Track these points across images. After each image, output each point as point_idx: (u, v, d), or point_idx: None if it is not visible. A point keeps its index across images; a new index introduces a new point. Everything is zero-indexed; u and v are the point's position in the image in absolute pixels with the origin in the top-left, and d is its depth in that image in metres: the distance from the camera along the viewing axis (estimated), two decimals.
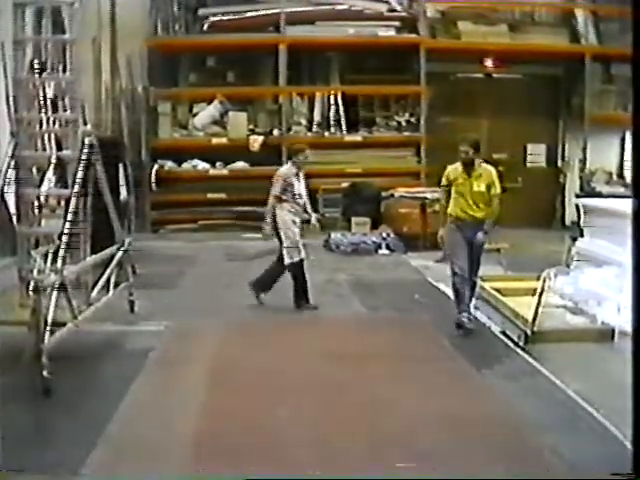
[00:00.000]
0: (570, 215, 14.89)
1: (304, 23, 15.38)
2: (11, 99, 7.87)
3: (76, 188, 6.86)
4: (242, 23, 15.20)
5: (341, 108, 15.58)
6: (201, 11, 15.52)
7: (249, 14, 15.34)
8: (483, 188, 7.55)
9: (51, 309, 5.90)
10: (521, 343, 7.09)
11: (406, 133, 15.84)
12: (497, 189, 7.62)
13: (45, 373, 5.60)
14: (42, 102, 8.02)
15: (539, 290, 7.29)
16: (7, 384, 5.30)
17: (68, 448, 4.70)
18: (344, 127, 15.54)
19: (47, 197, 7.81)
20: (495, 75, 16.65)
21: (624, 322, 7.14)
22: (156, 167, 15.17)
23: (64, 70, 7.98)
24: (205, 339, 7.40)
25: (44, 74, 7.93)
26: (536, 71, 16.56)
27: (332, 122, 15.59)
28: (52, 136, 8.21)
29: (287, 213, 8.46)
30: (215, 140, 15.38)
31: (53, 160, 7.82)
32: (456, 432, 5.03)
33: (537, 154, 17.09)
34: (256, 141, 15.24)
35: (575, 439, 4.86)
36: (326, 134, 15.40)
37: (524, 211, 15.03)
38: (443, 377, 6.27)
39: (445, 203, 7.77)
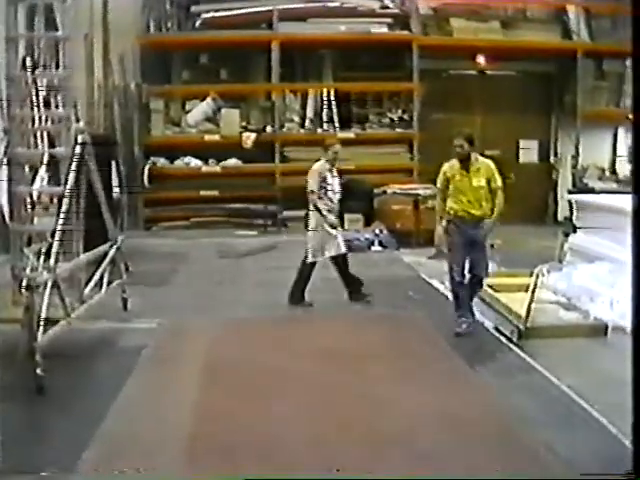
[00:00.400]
0: (563, 211, 14.90)
1: (296, 20, 15.35)
2: (4, 96, 7.85)
3: (69, 186, 6.85)
4: (234, 20, 15.16)
5: (334, 105, 15.54)
6: (193, 8, 15.48)
7: (241, 11, 15.30)
8: (483, 183, 7.34)
9: (44, 307, 5.89)
10: (514, 339, 7.10)
11: (399, 130, 15.83)
12: (498, 182, 7.40)
13: (38, 371, 5.59)
14: (35, 99, 8.01)
15: (532, 286, 7.29)
16: (0, 382, 5.29)
17: (62, 445, 4.69)
18: (337, 124, 15.50)
19: (40, 195, 7.79)
20: (488, 72, 16.62)
21: (617, 317, 7.19)
22: (149, 164, 15.13)
23: (57, 67, 7.97)
24: (198, 336, 7.39)
25: (37, 71, 7.91)
26: (528, 68, 16.57)
27: (325, 119, 15.57)
28: (45, 133, 8.19)
29: (318, 212, 8.43)
30: (208, 137, 15.31)
31: (46, 157, 7.80)
32: (448, 428, 5.03)
33: (530, 150, 17.12)
34: (249, 138, 15.19)
35: (570, 435, 4.86)
36: (319, 131, 15.35)
37: (517, 207, 14.98)
38: (437, 373, 6.27)
39: (442, 202, 7.52)
